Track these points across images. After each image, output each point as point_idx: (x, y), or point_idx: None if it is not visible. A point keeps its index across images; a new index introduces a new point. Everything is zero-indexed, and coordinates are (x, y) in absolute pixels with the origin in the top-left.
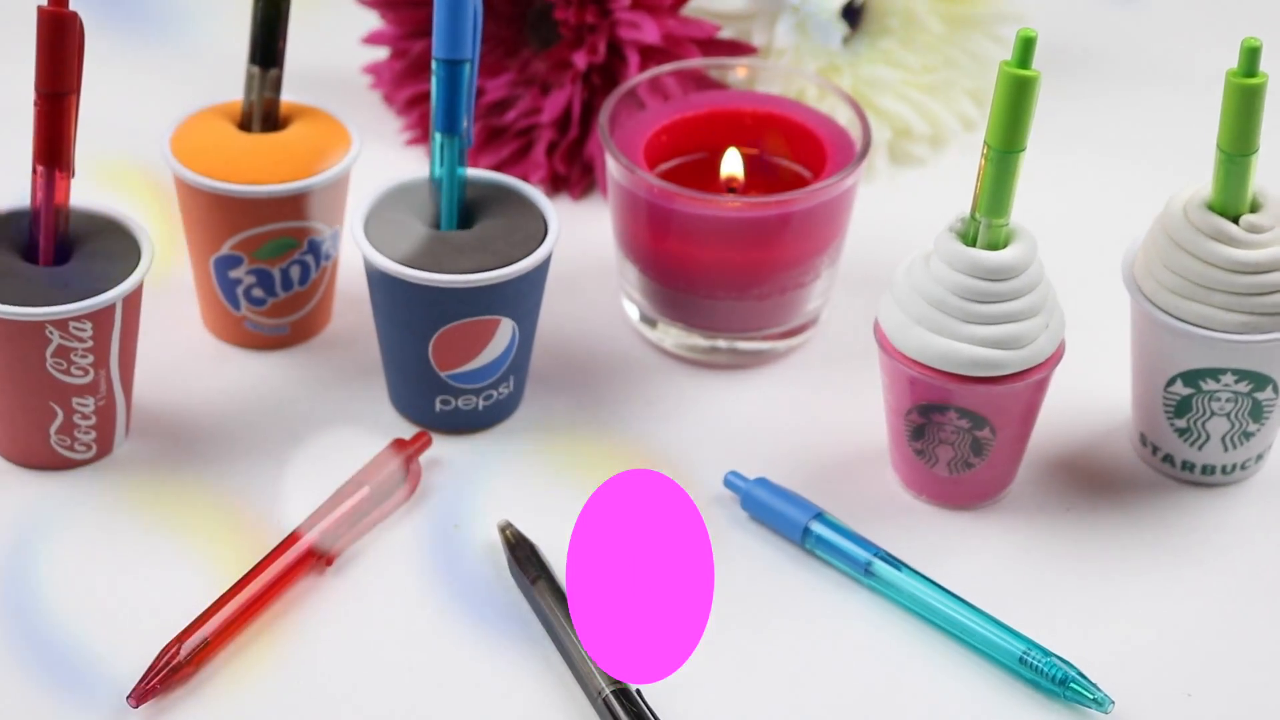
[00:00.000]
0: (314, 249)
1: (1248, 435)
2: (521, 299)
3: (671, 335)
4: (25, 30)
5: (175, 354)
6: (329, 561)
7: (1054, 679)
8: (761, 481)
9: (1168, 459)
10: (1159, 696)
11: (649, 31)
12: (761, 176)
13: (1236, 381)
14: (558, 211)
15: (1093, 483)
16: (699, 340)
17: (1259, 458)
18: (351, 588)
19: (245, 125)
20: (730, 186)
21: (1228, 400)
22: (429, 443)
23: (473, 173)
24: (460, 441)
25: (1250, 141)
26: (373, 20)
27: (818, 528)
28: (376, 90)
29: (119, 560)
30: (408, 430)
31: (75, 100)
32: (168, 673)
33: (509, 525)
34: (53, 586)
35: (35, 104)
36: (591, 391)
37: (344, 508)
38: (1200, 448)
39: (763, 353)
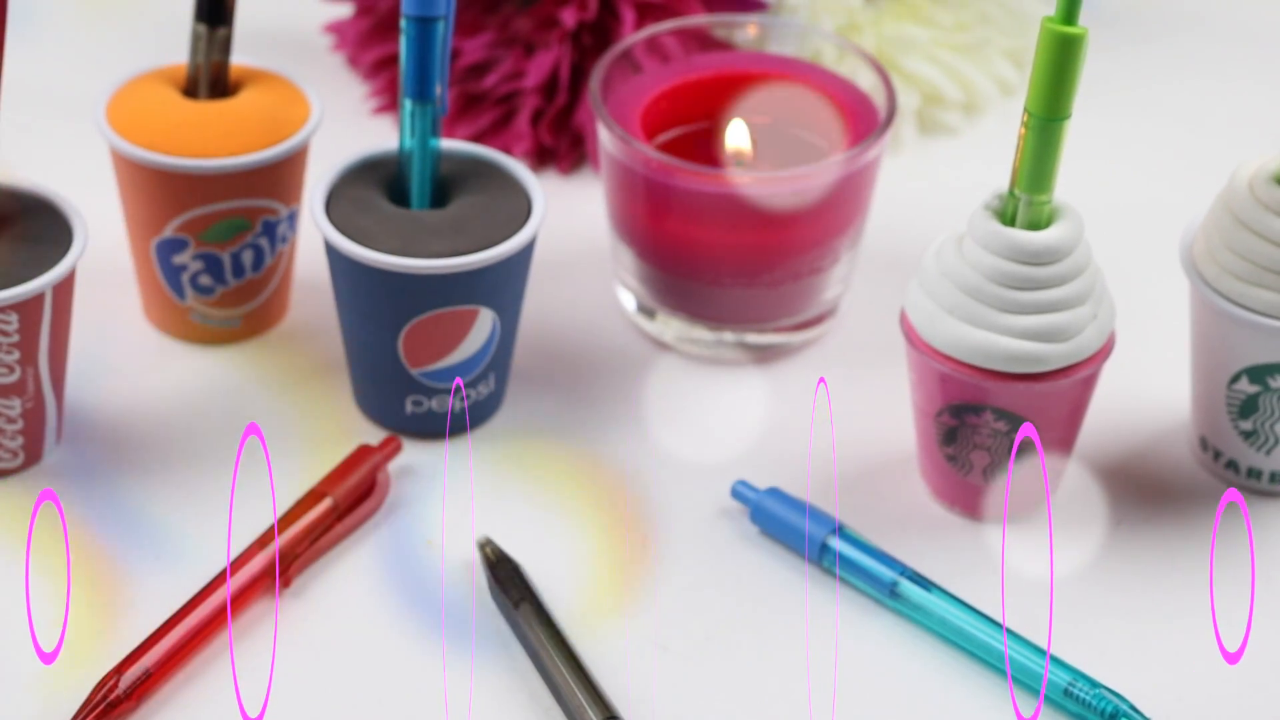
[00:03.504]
0: (269, 231)
1: None
2: (503, 287)
3: (672, 327)
4: None
5: (113, 349)
6: (286, 582)
7: (1103, 713)
8: (773, 492)
9: (1231, 465)
10: None
11: None
12: (773, 149)
13: None
14: (543, 188)
15: (1147, 492)
16: (703, 333)
17: None
18: (311, 612)
19: (191, 91)
20: (737, 160)
21: None
22: (399, 448)
23: (447, 144)
24: (434, 447)
25: None
26: None
27: (837, 544)
28: (339, 52)
29: (49, 581)
30: (375, 434)
31: None
32: (105, 708)
33: (489, 542)
34: None
35: None
36: (582, 390)
37: (303, 522)
38: (1268, 452)
39: (775, 347)
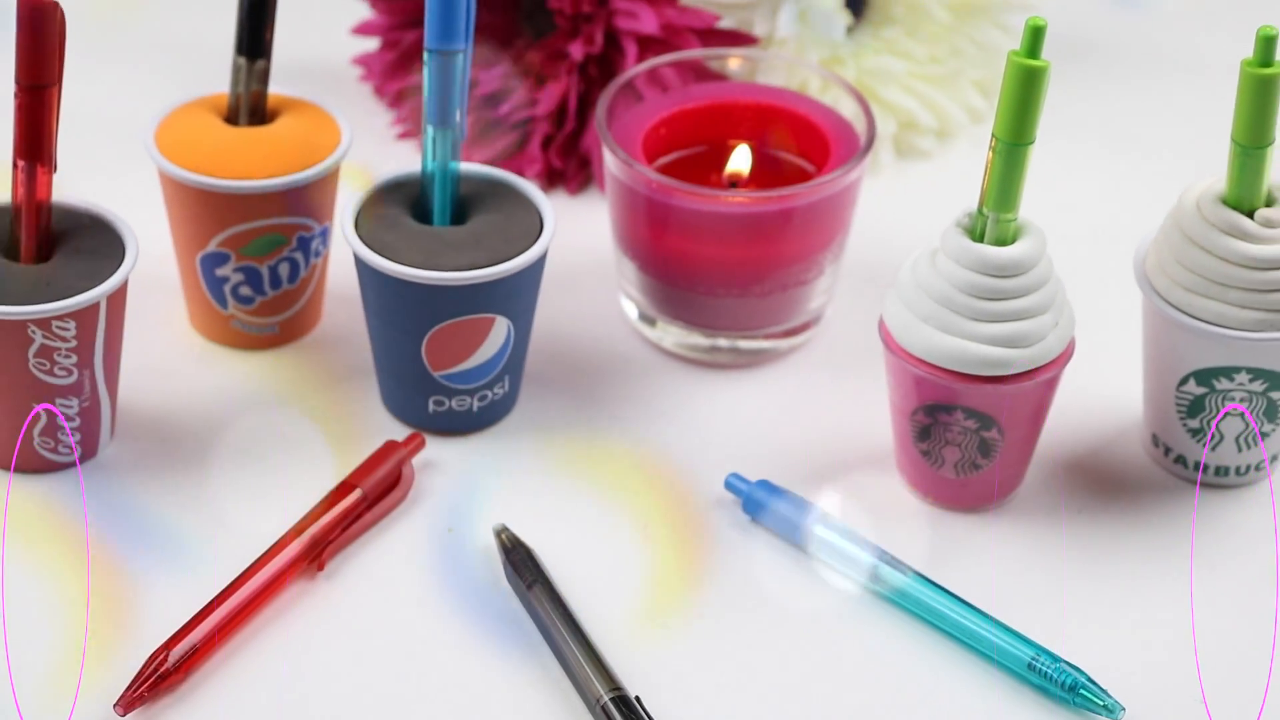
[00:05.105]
0: (303, 246)
1: (1262, 435)
2: (517, 297)
3: (671, 334)
4: (4, 21)
5: (161, 354)
6: (320, 566)
7: (1063, 685)
8: (763, 484)
9: (1180, 460)
10: (1170, 703)
11: (647, 21)
12: (763, 171)
13: (1251, 380)
14: (554, 207)
15: (1103, 485)
16: (699, 339)
17: (1274, 459)
18: (343, 593)
19: (232, 118)
20: (732, 181)
21: (1242, 400)
22: (422, 444)
23: (466, 167)
24: (454, 443)
25: (1266, 133)
26: (363, 10)
27: (821, 531)
28: (367, 82)
29: (104, 565)
30: (400, 432)
31: (57, 93)
32: (155, 680)
33: (505, 529)
34: (38, 591)
35: (15, 97)
36: (589, 392)
37: (336, 511)
38: (1214, 448)
39: (764, 351)
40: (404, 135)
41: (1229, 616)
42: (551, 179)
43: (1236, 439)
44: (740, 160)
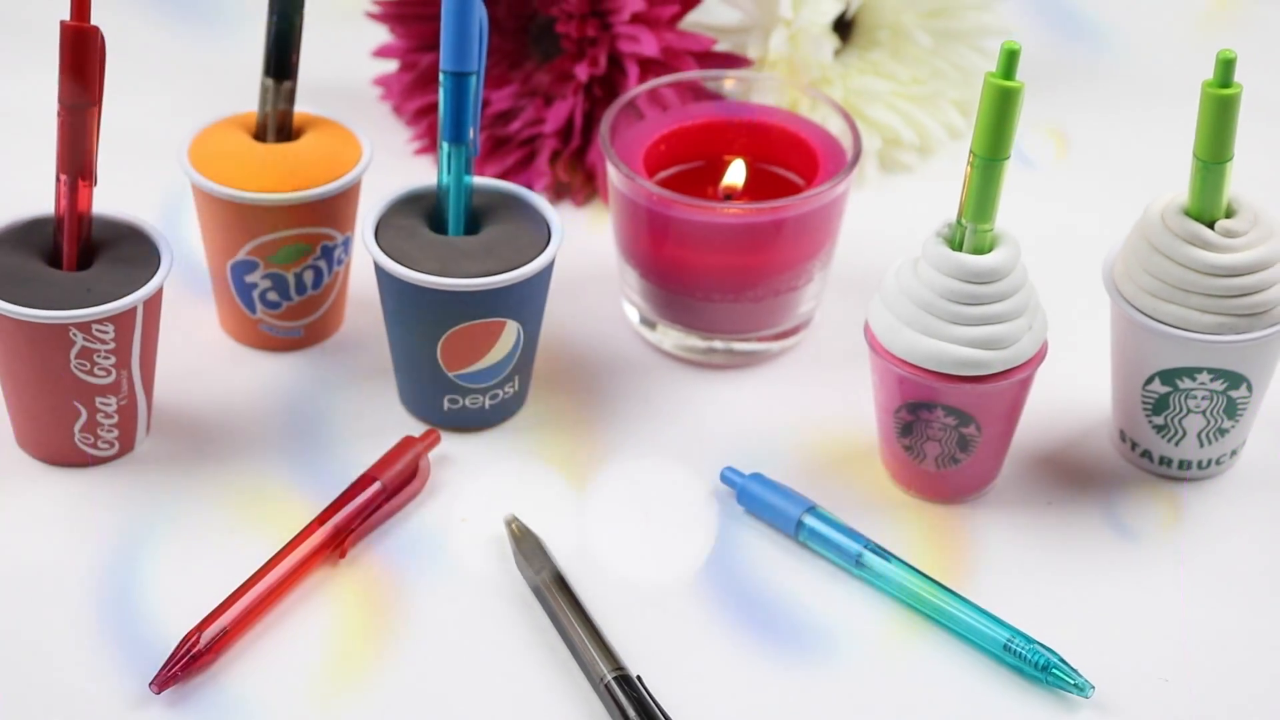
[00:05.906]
0: (327, 254)
1: (1223, 432)
2: (526, 302)
3: (670, 336)
4: (50, 44)
5: (194, 355)
6: (343, 553)
7: (1037, 665)
8: (756, 477)
9: (1146, 454)
10: (1137, 682)
11: (648, 45)
12: (756, 184)
13: (1212, 380)
14: (561, 218)
15: (1074, 477)
16: (697, 341)
17: (1233, 453)
18: (364, 578)
19: (260, 135)
20: (727, 194)
21: (1203, 398)
22: (437, 440)
23: (479, 181)
24: (467, 439)
25: (1225, 150)
26: (383, 34)
27: (810, 521)
28: (386, 101)
29: (141, 553)
30: (417, 428)
31: (97, 112)
32: (188, 660)
33: (515, 519)
34: (77, 578)
35: (59, 115)
36: (593, 391)
37: (357, 502)
38: (1177, 444)
39: (758, 353)
40: (421, 151)
41: (1189, 599)
42: (559, 192)
43: (1198, 435)
44: (735, 174)
